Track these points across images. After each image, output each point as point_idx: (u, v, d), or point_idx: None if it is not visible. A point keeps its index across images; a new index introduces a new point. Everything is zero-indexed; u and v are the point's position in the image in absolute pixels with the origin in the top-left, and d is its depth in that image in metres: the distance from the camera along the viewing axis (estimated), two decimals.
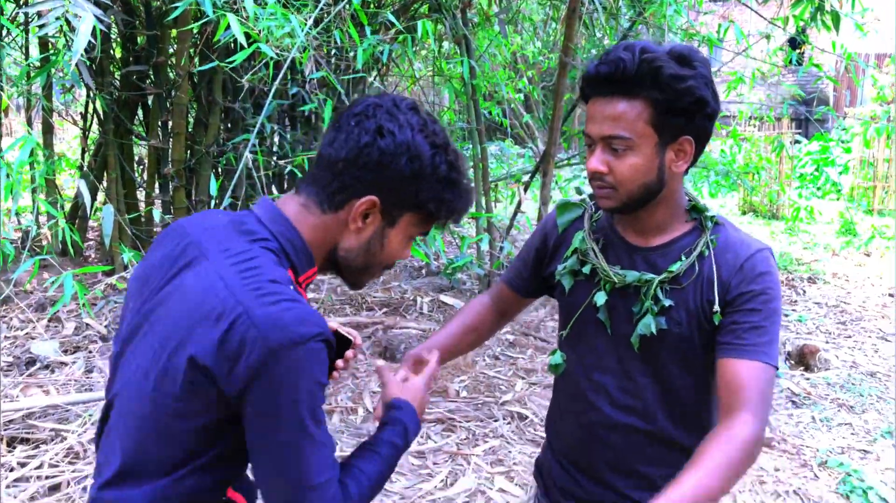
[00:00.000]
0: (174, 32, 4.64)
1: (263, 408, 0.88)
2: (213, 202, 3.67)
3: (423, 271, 5.51)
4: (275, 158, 4.71)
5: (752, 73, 4.55)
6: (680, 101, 1.12)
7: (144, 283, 1.00)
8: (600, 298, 1.25)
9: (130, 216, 4.92)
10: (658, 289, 1.20)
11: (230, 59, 2.33)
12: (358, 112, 1.00)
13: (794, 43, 9.41)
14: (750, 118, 9.82)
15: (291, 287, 0.94)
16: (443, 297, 5.06)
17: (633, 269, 1.24)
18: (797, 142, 12.45)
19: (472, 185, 1.12)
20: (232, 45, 5.07)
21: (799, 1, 4.18)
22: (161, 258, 1.00)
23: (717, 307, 1.18)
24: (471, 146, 4.62)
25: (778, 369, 1.17)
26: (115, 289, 4.73)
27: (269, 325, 0.86)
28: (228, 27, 2.31)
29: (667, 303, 1.20)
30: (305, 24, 2.32)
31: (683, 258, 1.21)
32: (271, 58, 2.29)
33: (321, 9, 2.53)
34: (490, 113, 5.56)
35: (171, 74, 4.85)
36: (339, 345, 1.12)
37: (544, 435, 1.41)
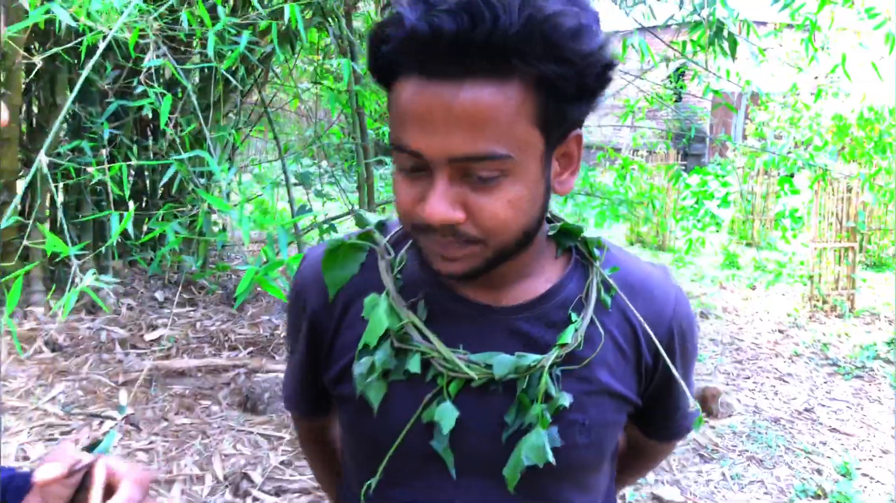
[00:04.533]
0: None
1: None
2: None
3: None
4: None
5: (650, 99, 4.35)
6: (585, 80, 0.64)
7: None
8: (446, 416, 0.73)
9: None
10: (549, 381, 0.73)
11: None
12: None
13: (679, 75, 9.62)
14: (636, 151, 9.90)
15: None
16: None
17: (495, 349, 0.74)
18: (678, 175, 12.79)
19: None
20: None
21: (698, 24, 4.01)
22: None
23: (693, 404, 0.81)
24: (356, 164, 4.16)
25: None
26: None
27: None
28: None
29: (564, 400, 0.74)
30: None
31: (574, 316, 0.76)
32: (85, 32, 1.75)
33: None
34: (377, 134, 5.13)
35: None
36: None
37: None
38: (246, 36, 2.06)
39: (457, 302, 0.77)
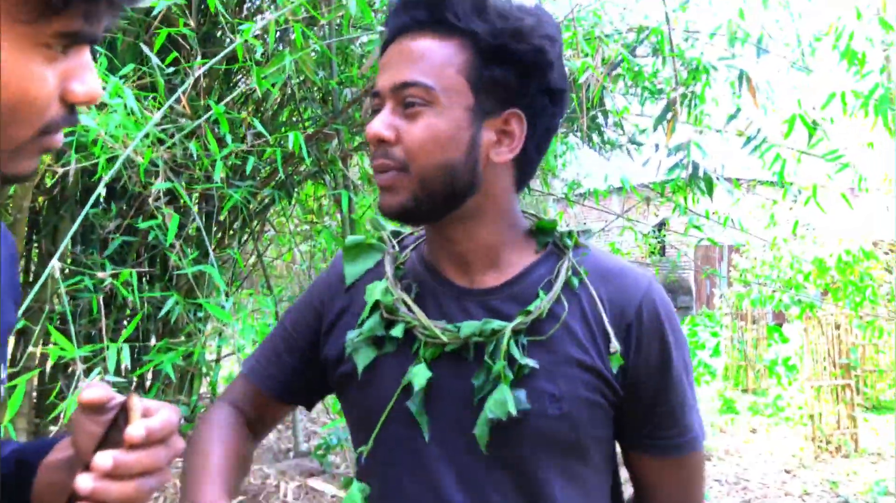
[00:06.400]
0: None
1: None
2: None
3: (291, 452, 4.81)
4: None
5: (635, 233, 4.50)
6: (510, 46, 0.80)
7: None
8: (420, 374, 0.80)
9: None
10: (512, 344, 0.79)
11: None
12: None
13: (661, 226, 9.99)
14: None
15: None
16: (312, 482, 4.37)
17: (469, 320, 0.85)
18: None
19: None
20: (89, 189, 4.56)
21: (676, 165, 4.24)
22: None
23: (615, 346, 0.81)
24: None
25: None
26: None
27: None
28: None
29: (528, 362, 0.79)
30: (145, 125, 1.91)
31: (542, 294, 0.83)
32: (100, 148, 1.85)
33: (171, 117, 2.16)
34: None
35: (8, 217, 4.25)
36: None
37: None
38: (251, 161, 2.18)
39: (442, 285, 0.87)
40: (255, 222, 4.91)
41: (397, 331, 0.83)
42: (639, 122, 4.79)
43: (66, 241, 1.86)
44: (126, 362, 2.39)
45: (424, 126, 0.79)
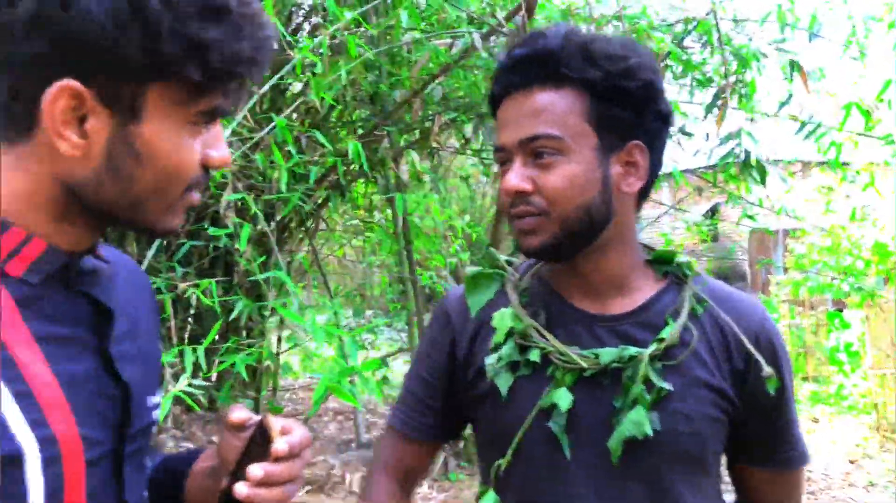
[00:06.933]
0: None
1: None
2: None
3: (353, 444, 4.94)
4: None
5: (688, 226, 4.48)
6: (622, 85, 0.85)
7: None
8: (563, 398, 0.85)
9: None
10: (650, 369, 0.85)
11: None
12: None
13: (713, 213, 9.83)
14: None
15: None
16: None
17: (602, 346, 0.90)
18: None
19: (257, 13, 0.61)
20: None
21: (728, 154, 4.20)
22: None
23: (767, 370, 0.87)
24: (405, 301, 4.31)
25: None
26: None
27: None
28: None
29: (665, 386, 0.85)
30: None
31: (671, 322, 0.88)
32: None
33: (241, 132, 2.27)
34: (422, 281, 5.32)
35: None
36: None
37: None
38: (314, 171, 2.28)
39: (571, 311, 0.92)
40: (309, 221, 5.05)
41: (534, 357, 0.89)
42: (688, 110, 4.75)
43: (152, 252, 1.99)
44: (200, 362, 2.52)
45: (561, 174, 0.85)
